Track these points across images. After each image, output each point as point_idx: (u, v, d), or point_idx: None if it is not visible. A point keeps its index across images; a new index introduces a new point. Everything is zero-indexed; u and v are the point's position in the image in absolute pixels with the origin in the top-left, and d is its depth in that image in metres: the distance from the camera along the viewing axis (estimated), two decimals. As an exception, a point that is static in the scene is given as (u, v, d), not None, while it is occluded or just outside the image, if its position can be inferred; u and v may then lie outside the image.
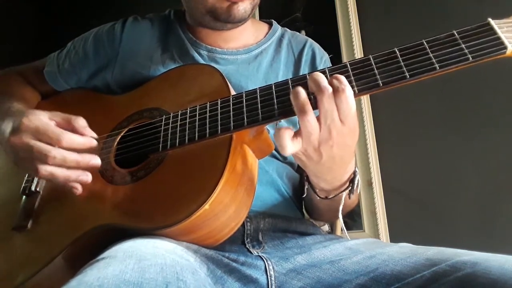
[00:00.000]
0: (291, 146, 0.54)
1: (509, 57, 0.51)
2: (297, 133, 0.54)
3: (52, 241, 0.65)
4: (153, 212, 0.60)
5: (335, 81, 0.53)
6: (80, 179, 0.65)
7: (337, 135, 0.54)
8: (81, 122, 0.67)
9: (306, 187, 0.71)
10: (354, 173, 0.66)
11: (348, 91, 0.52)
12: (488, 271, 0.48)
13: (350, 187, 0.66)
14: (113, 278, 0.42)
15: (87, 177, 0.65)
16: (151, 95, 0.78)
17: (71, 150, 0.64)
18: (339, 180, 0.65)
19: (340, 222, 0.70)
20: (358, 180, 0.66)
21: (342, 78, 0.53)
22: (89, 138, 0.66)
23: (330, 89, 0.52)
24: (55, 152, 0.62)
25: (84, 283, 0.42)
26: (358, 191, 0.69)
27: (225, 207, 0.59)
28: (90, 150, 0.66)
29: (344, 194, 0.67)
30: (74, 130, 0.66)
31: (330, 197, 0.68)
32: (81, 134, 0.66)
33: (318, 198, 0.70)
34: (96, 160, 0.65)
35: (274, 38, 0.91)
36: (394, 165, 1.55)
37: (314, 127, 0.53)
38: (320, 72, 0.55)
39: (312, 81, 0.53)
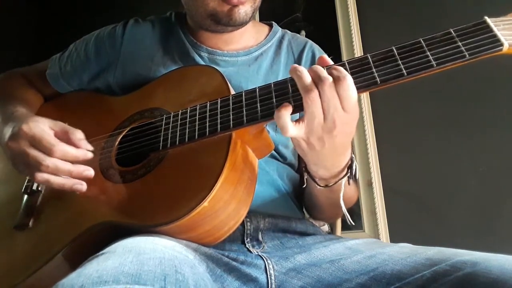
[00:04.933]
0: (292, 127, 0.55)
1: (505, 54, 0.52)
2: (300, 119, 0.56)
3: (53, 239, 0.66)
4: (153, 209, 0.61)
5: (334, 71, 0.54)
6: (74, 188, 0.66)
7: (341, 124, 0.55)
8: (78, 135, 0.68)
9: (305, 177, 0.71)
10: (352, 159, 0.66)
11: (348, 78, 0.53)
12: (488, 271, 0.48)
13: (349, 173, 0.66)
14: (112, 270, 0.43)
15: (82, 186, 0.66)
16: (152, 96, 0.79)
17: (64, 160, 0.65)
18: (337, 167, 0.65)
19: (343, 211, 0.69)
20: (356, 166, 0.66)
21: (341, 68, 0.54)
22: (84, 151, 0.67)
23: (330, 78, 0.53)
24: (48, 161, 0.64)
25: (83, 275, 0.42)
26: (357, 177, 0.69)
27: (225, 205, 0.59)
28: (85, 162, 0.67)
29: (344, 181, 0.67)
30: (70, 142, 0.67)
31: (330, 184, 0.68)
32: (77, 147, 0.67)
33: (318, 187, 0.69)
34: (89, 172, 0.66)
35: (274, 40, 0.91)
36: (394, 165, 1.55)
37: (318, 107, 0.53)
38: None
39: (312, 72, 0.54)
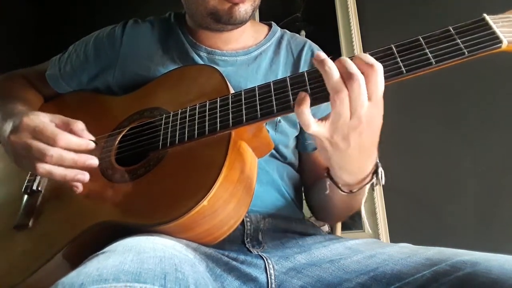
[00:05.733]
0: (314, 123, 0.53)
1: (504, 51, 0.52)
2: (323, 118, 0.54)
3: (53, 239, 0.66)
4: (153, 208, 0.61)
5: (365, 59, 0.52)
6: (77, 178, 0.65)
7: (367, 120, 0.53)
8: (80, 126, 0.67)
9: (328, 183, 0.68)
10: (377, 164, 0.64)
11: (379, 67, 0.51)
12: (488, 271, 0.48)
13: (374, 179, 0.64)
14: (112, 268, 0.43)
15: (84, 176, 0.65)
16: (152, 96, 0.79)
17: (68, 150, 0.64)
18: (363, 172, 0.63)
19: (363, 219, 0.68)
20: (381, 172, 0.64)
21: (370, 57, 0.52)
22: (86, 140, 0.67)
23: (361, 75, 0.51)
24: (53, 151, 0.63)
25: (83, 273, 0.42)
26: (383, 183, 0.65)
27: (224, 204, 0.59)
28: (87, 152, 0.66)
29: (368, 187, 0.65)
30: (72, 133, 0.66)
31: (354, 190, 0.66)
32: (79, 137, 0.66)
33: (342, 193, 0.67)
34: (93, 160, 0.65)
35: (273, 40, 0.91)
36: (394, 165, 1.54)
37: (346, 107, 0.51)
38: None
39: (341, 66, 0.52)
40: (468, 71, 1.36)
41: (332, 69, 0.52)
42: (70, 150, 0.64)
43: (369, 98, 0.52)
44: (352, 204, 0.69)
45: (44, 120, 0.67)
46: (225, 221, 0.61)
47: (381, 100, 0.53)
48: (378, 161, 0.64)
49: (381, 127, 0.58)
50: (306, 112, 0.53)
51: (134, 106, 0.78)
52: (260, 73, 0.85)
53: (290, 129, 0.82)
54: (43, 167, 0.63)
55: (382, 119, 0.56)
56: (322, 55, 0.53)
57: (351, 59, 0.53)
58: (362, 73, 0.52)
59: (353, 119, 0.52)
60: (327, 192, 0.69)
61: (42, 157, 0.63)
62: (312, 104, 0.55)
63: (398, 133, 1.57)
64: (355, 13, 1.74)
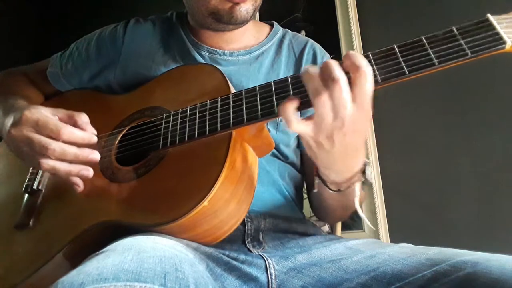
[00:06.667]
0: (296, 121, 0.53)
1: (508, 52, 0.52)
2: (308, 118, 0.54)
3: (53, 239, 0.66)
4: (153, 208, 0.61)
5: (351, 60, 0.51)
6: (81, 173, 0.65)
7: (351, 122, 0.52)
8: (84, 118, 0.67)
9: (316, 181, 0.68)
10: (365, 164, 0.63)
11: (367, 69, 0.50)
12: (489, 271, 0.48)
13: (363, 179, 0.64)
14: (112, 267, 0.43)
15: (88, 172, 0.65)
16: (152, 95, 0.79)
17: (70, 144, 0.64)
18: (350, 171, 0.62)
19: (361, 215, 0.67)
20: (370, 172, 0.64)
21: (360, 58, 0.51)
22: (89, 134, 0.67)
23: (341, 78, 0.50)
24: (55, 145, 0.63)
25: (83, 272, 0.42)
26: (373, 181, 0.66)
27: (225, 204, 0.59)
28: (89, 146, 0.66)
29: (358, 185, 0.64)
30: (75, 125, 0.66)
31: (342, 189, 0.66)
32: (82, 130, 0.66)
33: (330, 191, 0.67)
34: (95, 155, 0.65)
35: (275, 39, 0.91)
36: (394, 166, 1.55)
37: (328, 109, 0.51)
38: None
39: (322, 72, 0.52)
40: (469, 70, 1.36)
41: (311, 73, 0.52)
42: (72, 143, 0.64)
43: (354, 100, 0.51)
44: (345, 204, 0.69)
45: (46, 113, 0.66)
46: (225, 221, 0.61)
47: (368, 106, 0.52)
48: (367, 160, 0.64)
49: (367, 131, 0.57)
50: (288, 110, 0.53)
51: (135, 105, 0.78)
52: (262, 73, 0.85)
53: None
54: (47, 162, 0.63)
55: (369, 124, 0.56)
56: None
57: (342, 58, 0.53)
58: (349, 74, 0.51)
59: (336, 120, 0.52)
60: (316, 190, 0.70)
61: (44, 151, 0.62)
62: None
63: (399, 133, 1.57)
64: (355, 13, 1.74)
